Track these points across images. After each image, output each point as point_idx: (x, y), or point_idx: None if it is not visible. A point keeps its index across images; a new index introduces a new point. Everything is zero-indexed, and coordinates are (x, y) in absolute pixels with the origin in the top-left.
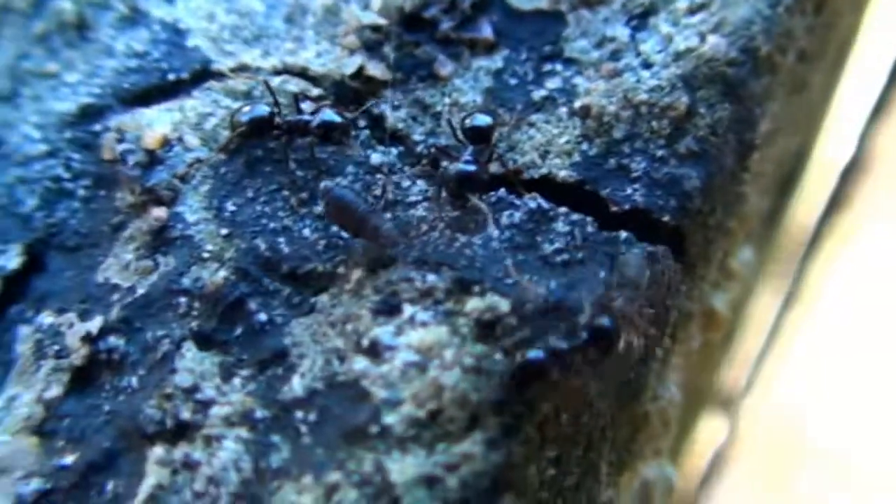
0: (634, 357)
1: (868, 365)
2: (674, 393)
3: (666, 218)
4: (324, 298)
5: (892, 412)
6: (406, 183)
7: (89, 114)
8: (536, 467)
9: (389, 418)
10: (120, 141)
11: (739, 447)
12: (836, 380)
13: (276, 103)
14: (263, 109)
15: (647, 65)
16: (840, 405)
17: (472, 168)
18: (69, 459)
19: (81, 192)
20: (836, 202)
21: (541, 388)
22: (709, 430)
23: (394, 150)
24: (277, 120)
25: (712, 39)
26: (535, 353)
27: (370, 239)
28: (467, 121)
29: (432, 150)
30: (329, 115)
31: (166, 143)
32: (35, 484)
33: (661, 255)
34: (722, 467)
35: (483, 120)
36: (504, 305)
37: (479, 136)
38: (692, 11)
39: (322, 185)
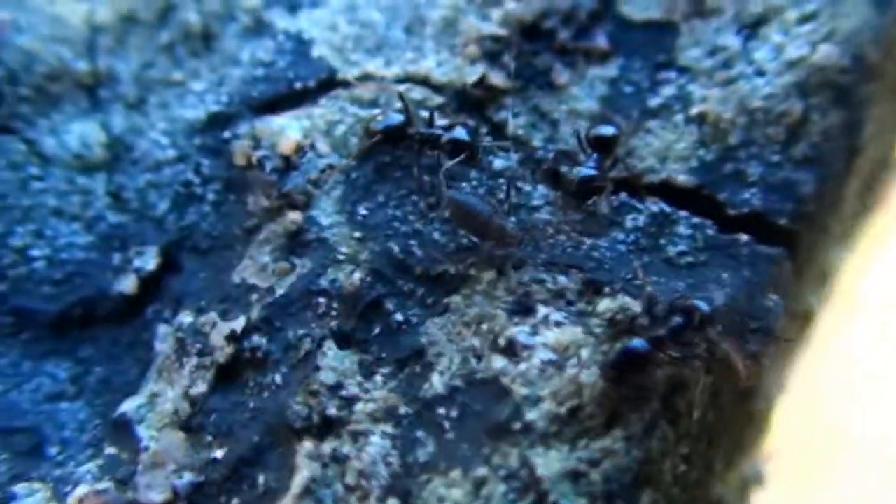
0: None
1: None
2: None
3: (783, 221)
4: (457, 299)
5: None
6: (528, 188)
7: (218, 121)
8: (671, 463)
9: (531, 415)
10: (255, 147)
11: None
12: (872, 380)
13: (409, 113)
14: (397, 118)
15: (760, 73)
16: (878, 406)
17: (593, 172)
18: (219, 453)
19: (212, 196)
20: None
21: (642, 377)
22: None
23: (514, 156)
24: (410, 130)
25: (824, 48)
26: (636, 342)
27: (496, 240)
28: (592, 130)
29: (554, 155)
30: (460, 133)
31: (299, 150)
32: (188, 477)
33: (779, 258)
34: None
35: (608, 130)
36: (636, 306)
37: (602, 145)
38: (802, 21)
39: (446, 193)
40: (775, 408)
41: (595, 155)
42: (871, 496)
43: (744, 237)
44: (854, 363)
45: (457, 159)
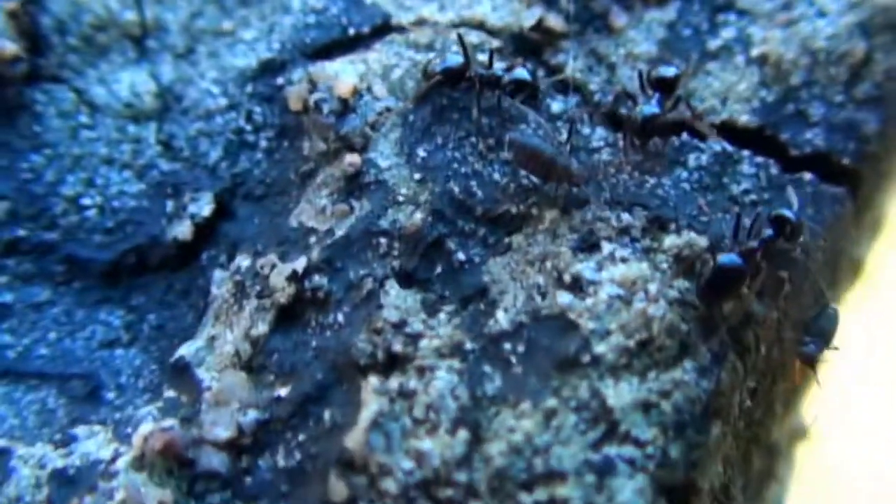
0: (813, 295)
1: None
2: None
3: (845, 161)
4: (519, 238)
5: None
6: (587, 130)
7: (270, 68)
8: (739, 396)
9: (600, 348)
10: (312, 91)
11: None
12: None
13: (468, 55)
14: (457, 60)
15: (822, 13)
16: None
17: (656, 110)
18: (282, 392)
19: (264, 143)
20: None
21: (735, 293)
22: None
23: (572, 100)
24: (469, 72)
25: None
26: (727, 257)
27: (561, 179)
28: (654, 71)
29: (614, 95)
30: (522, 73)
31: (356, 93)
32: (253, 414)
33: (841, 197)
34: None
35: (669, 70)
36: (702, 241)
37: (665, 86)
38: None
39: (507, 135)
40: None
41: (657, 94)
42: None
43: (808, 176)
44: (865, 344)
45: (519, 97)
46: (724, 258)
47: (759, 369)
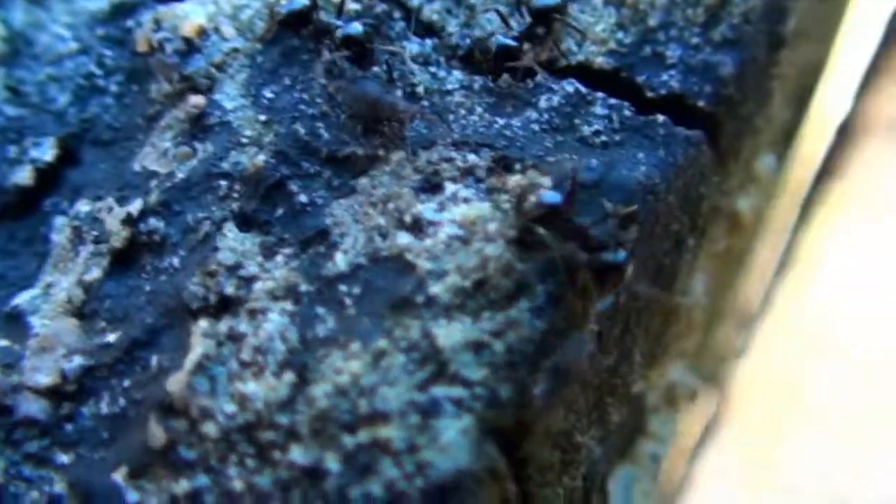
0: (670, 240)
1: (858, 337)
2: (701, 292)
3: (701, 103)
4: (364, 181)
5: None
6: (442, 73)
7: (121, 11)
8: None
9: (435, 288)
10: (156, 31)
11: (729, 415)
12: (829, 348)
13: None
14: (301, 3)
15: None
16: (834, 373)
17: (511, 42)
18: (111, 338)
19: (114, 87)
20: (828, 168)
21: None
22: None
23: (428, 42)
24: (315, 16)
25: None
26: (551, 195)
27: (392, 118)
28: (532, 1)
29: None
30: (354, 28)
31: (203, 33)
32: (78, 360)
33: (696, 140)
34: (712, 435)
35: (545, 1)
36: (546, 181)
37: (541, 17)
38: None
39: (333, 83)
40: (701, 313)
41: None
42: (827, 461)
43: (661, 118)
44: (812, 331)
45: (350, 51)
46: (547, 194)
47: (602, 313)
